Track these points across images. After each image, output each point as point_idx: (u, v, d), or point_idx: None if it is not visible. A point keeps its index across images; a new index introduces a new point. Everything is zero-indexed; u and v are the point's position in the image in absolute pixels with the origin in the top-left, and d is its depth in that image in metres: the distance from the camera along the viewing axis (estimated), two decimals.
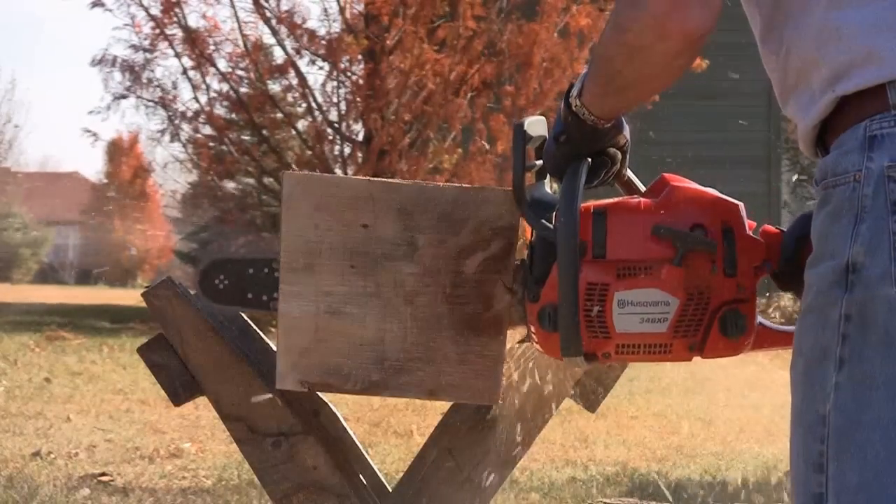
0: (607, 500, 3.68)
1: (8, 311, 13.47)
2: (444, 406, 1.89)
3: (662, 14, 1.25)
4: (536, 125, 1.60)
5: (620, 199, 1.53)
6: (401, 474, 1.84)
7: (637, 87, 1.37)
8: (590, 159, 1.49)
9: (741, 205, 1.49)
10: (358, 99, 11.31)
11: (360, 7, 11.56)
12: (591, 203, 1.50)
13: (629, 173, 1.64)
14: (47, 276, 35.63)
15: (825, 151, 1.32)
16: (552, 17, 10.67)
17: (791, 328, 1.46)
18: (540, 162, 1.61)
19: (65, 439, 4.89)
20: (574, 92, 1.44)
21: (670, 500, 3.82)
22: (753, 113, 14.45)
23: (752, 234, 1.48)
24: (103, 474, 4.13)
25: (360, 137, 11.69)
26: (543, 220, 1.52)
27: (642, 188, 1.62)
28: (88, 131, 12.52)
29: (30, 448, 4.62)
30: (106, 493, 3.79)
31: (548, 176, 1.61)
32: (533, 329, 1.51)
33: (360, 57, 11.48)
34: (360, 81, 11.34)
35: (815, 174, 1.32)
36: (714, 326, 1.48)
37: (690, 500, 3.90)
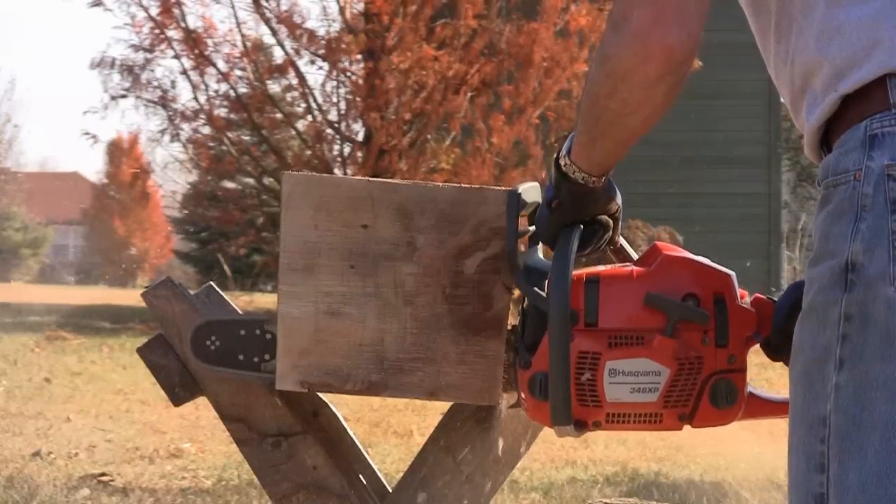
0: (607, 500, 3.68)
1: (8, 311, 13.47)
2: (444, 406, 1.89)
3: (643, 33, 1.26)
4: (531, 191, 1.61)
5: (612, 267, 1.54)
6: (401, 474, 1.84)
7: (623, 122, 1.35)
8: (582, 226, 1.49)
9: (733, 274, 1.50)
10: (357, 98, 11.32)
11: (360, 7, 11.56)
12: (584, 271, 1.50)
13: (622, 241, 1.64)
14: (47, 276, 35.64)
15: (829, 152, 1.32)
16: (552, 17, 10.67)
17: (783, 397, 1.48)
18: (533, 228, 1.60)
19: (65, 439, 4.89)
20: (563, 151, 1.44)
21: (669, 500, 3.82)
22: (753, 113, 14.45)
23: (743, 304, 1.49)
24: (103, 474, 4.14)
25: (360, 137, 11.70)
26: (536, 288, 1.51)
27: (635, 256, 1.63)
28: (87, 133, 12.52)
29: (30, 448, 4.62)
30: (106, 494, 3.79)
31: (538, 242, 1.60)
32: (523, 396, 1.51)
33: (359, 56, 11.48)
34: (360, 81, 11.34)
35: (817, 174, 1.32)
36: (705, 396, 1.49)
37: (691, 500, 3.90)
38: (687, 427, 1.53)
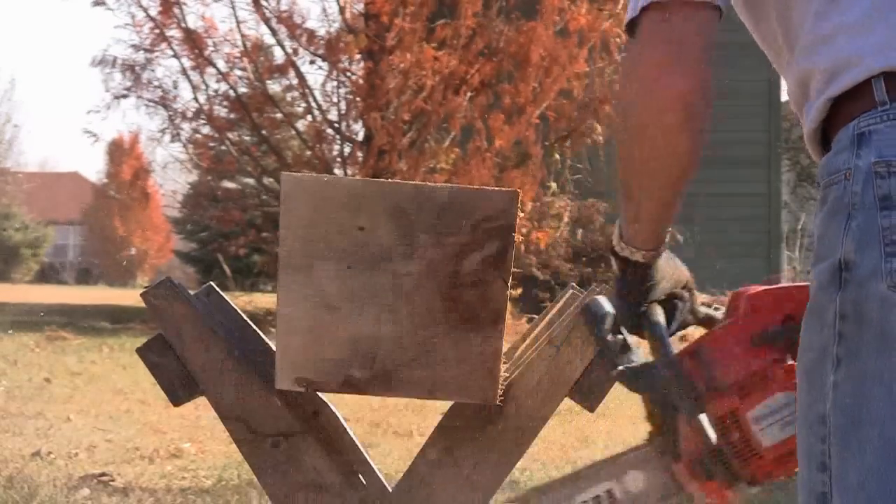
0: None
1: (8, 311, 13.48)
2: (444, 406, 1.89)
3: (651, 81, 1.28)
4: (602, 304, 1.59)
5: (703, 335, 1.54)
6: (401, 474, 1.84)
7: (656, 175, 1.36)
8: (659, 306, 1.48)
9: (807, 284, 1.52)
10: (357, 98, 11.32)
11: (360, 7, 11.56)
12: (681, 349, 1.50)
13: (704, 309, 1.63)
14: (47, 276, 35.65)
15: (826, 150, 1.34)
16: (551, 16, 10.67)
17: None
18: (619, 337, 1.59)
19: (65, 439, 4.89)
20: (615, 240, 1.46)
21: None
22: (753, 113, 14.46)
23: None
24: (103, 474, 4.13)
25: (360, 137, 11.70)
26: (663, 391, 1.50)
27: (720, 316, 1.62)
28: (88, 132, 12.52)
29: (30, 448, 4.62)
30: (106, 493, 3.79)
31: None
32: (691, 486, 1.51)
33: (359, 56, 11.48)
34: (360, 81, 11.35)
35: (817, 174, 1.34)
36: None
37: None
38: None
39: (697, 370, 1.47)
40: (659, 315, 1.46)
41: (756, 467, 1.48)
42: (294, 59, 11.65)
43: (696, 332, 1.62)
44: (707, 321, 1.64)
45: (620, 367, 1.53)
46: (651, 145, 1.32)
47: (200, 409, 5.26)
